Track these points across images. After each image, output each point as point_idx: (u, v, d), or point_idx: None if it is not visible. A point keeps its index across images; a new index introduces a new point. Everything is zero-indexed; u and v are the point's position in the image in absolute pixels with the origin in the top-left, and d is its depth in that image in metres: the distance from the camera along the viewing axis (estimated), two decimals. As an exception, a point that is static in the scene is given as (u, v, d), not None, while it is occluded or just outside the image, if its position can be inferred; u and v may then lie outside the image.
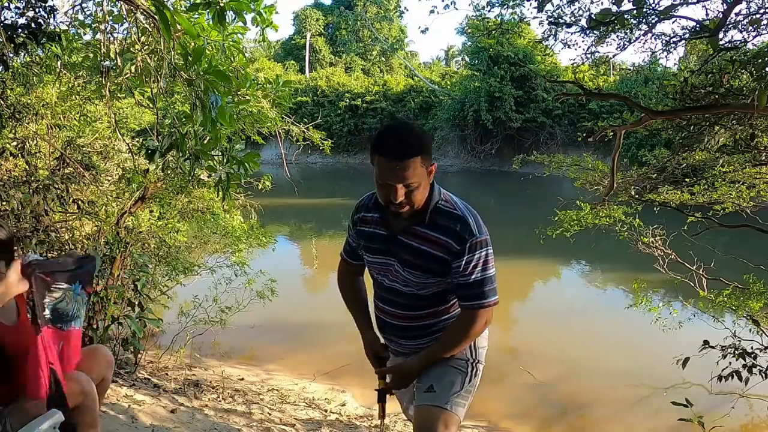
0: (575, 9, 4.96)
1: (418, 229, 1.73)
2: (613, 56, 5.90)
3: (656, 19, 4.26)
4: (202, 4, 2.24)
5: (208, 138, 2.46)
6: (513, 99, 25.66)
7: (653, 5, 4.17)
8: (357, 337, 2.05)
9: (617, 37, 4.87)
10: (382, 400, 1.97)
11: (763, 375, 3.93)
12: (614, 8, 3.11)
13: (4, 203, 3.53)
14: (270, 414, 4.12)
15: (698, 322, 6.24)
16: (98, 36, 2.82)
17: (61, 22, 3.03)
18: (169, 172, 3.95)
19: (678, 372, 4.06)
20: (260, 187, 5.23)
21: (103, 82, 2.82)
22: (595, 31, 4.70)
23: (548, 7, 4.72)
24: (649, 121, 4.24)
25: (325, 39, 40.34)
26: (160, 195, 4.85)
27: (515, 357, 6.16)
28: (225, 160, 2.48)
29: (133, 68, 2.53)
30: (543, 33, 5.74)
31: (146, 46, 2.54)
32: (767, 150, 4.83)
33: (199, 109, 2.20)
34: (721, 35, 3.77)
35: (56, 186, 3.92)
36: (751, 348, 4.11)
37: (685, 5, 4.06)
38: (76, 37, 3.27)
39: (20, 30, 2.75)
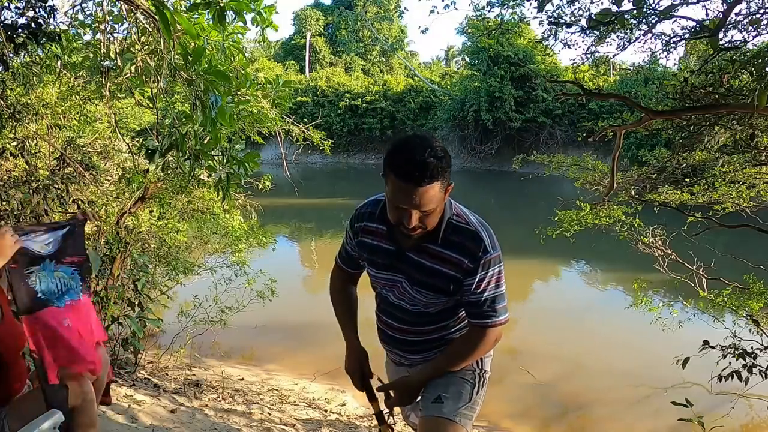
0: (575, 9, 4.96)
1: (430, 247, 1.62)
2: (613, 56, 5.90)
3: (656, 19, 4.26)
4: (202, 4, 2.24)
5: (208, 138, 2.46)
6: (513, 99, 25.66)
7: (653, 5, 4.17)
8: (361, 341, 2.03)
9: (617, 37, 4.87)
10: (382, 422, 1.87)
11: (763, 375, 3.93)
12: (614, 8, 3.11)
13: (4, 203, 3.53)
14: (270, 414, 4.12)
15: (698, 322, 6.24)
16: (98, 36, 2.82)
17: (61, 22, 3.03)
18: (169, 172, 3.95)
19: (678, 372, 4.06)
20: (260, 187, 5.23)
21: (103, 82, 2.82)
22: (595, 31, 4.70)
23: (548, 7, 4.72)
24: (649, 121, 4.23)
25: (325, 39, 40.34)
26: (160, 195, 4.85)
27: (515, 357, 6.16)
28: (225, 160, 2.48)
29: (133, 68, 2.53)
30: (543, 33, 5.75)
31: (146, 46, 2.54)
32: (767, 150, 4.83)
33: (199, 109, 2.20)
34: (721, 35, 3.77)
35: (56, 186, 3.92)
36: (751, 348, 4.11)
37: (685, 5, 4.06)
38: (76, 37, 3.27)
39: (20, 30, 2.75)
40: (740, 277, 4.94)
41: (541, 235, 6.25)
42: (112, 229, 4.32)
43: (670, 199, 5.38)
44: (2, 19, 2.80)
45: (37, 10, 2.79)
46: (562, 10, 4.99)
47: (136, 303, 3.90)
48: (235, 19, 2.39)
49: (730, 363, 4.04)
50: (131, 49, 2.58)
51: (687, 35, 4.76)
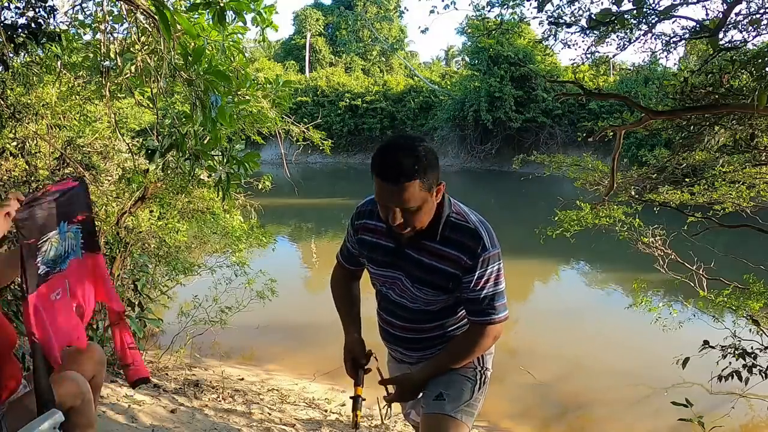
0: (575, 9, 4.97)
1: (428, 244, 1.64)
2: (613, 56, 5.90)
3: (656, 19, 4.26)
4: (202, 4, 2.24)
5: (208, 138, 2.46)
6: (513, 99, 25.67)
7: (653, 5, 4.17)
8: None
9: (617, 37, 4.87)
10: (356, 409, 1.82)
11: (763, 375, 3.93)
12: (614, 8, 3.12)
13: (4, 203, 3.52)
14: (270, 414, 4.12)
15: (698, 322, 6.24)
16: (98, 36, 2.82)
17: (61, 22, 3.03)
18: (169, 172, 3.95)
19: (678, 372, 4.06)
20: (260, 187, 5.23)
21: (103, 82, 2.82)
22: (595, 31, 4.70)
23: (548, 7, 4.72)
24: (649, 121, 4.23)
25: (325, 39, 40.34)
26: (160, 195, 4.85)
27: (515, 357, 6.16)
28: (225, 160, 2.48)
29: (133, 68, 2.53)
30: (543, 33, 5.75)
31: (146, 46, 2.54)
32: (767, 150, 4.83)
33: (199, 109, 2.20)
34: (721, 35, 3.78)
35: (56, 186, 3.91)
36: (751, 348, 4.11)
37: (685, 5, 4.07)
38: (76, 37, 3.27)
39: (20, 30, 2.75)
40: (740, 277, 4.94)
41: (541, 235, 6.25)
42: (112, 229, 4.32)
43: (670, 199, 5.38)
44: (2, 19, 2.80)
45: (37, 10, 2.79)
46: (562, 10, 5.00)
47: (136, 303, 3.90)
48: (235, 19, 2.39)
49: (730, 363, 4.04)
50: (131, 49, 2.58)
51: (687, 35, 4.76)
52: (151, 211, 5.02)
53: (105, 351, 2.36)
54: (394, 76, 34.88)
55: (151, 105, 2.85)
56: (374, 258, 1.77)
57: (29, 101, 4.18)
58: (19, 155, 4.12)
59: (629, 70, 19.91)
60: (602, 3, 4.86)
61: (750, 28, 4.14)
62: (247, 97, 3.10)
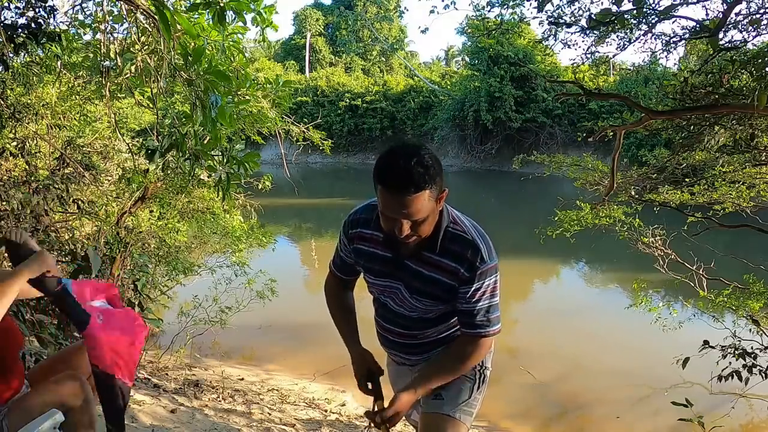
0: (575, 9, 4.96)
1: (428, 255, 1.60)
2: (613, 56, 5.90)
3: (656, 19, 4.26)
4: (202, 4, 2.24)
5: (208, 138, 2.46)
6: (513, 99, 25.66)
7: (653, 5, 4.17)
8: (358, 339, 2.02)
9: (617, 37, 4.87)
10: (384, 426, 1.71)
11: (763, 375, 3.93)
12: (614, 8, 3.12)
13: (4, 203, 3.53)
14: (270, 414, 4.12)
15: (698, 322, 6.24)
16: (98, 36, 2.82)
17: (61, 22, 3.03)
18: (169, 172, 3.96)
19: (678, 372, 4.06)
20: (260, 187, 5.24)
21: (103, 82, 2.82)
22: (595, 31, 4.70)
23: (548, 7, 4.72)
24: (649, 121, 4.24)
25: (325, 39, 40.34)
26: (160, 195, 4.85)
27: (515, 357, 6.17)
28: (225, 160, 2.48)
29: (133, 68, 2.53)
30: (543, 33, 5.75)
31: (146, 46, 2.54)
32: (767, 150, 4.83)
33: (199, 109, 2.20)
34: (721, 35, 3.78)
35: (56, 186, 3.92)
36: (751, 348, 4.11)
37: (685, 5, 4.07)
38: (76, 37, 3.28)
39: (20, 30, 2.75)
40: (740, 277, 4.94)
41: (541, 235, 6.25)
42: (112, 229, 4.32)
43: (670, 199, 5.38)
44: (2, 19, 2.81)
45: (37, 10, 2.80)
46: (562, 10, 4.99)
47: (136, 303, 3.89)
48: (235, 19, 2.39)
49: (730, 363, 4.04)
50: (131, 49, 2.58)
51: (687, 35, 4.76)
52: (151, 211, 5.03)
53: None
54: (394, 76, 34.88)
55: (151, 105, 2.85)
56: (372, 268, 1.72)
57: (29, 101, 4.19)
58: (19, 155, 4.12)
59: (629, 70, 19.91)
60: (602, 3, 4.86)
61: (750, 28, 4.14)
62: (247, 97, 3.10)
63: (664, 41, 4.89)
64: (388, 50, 39.52)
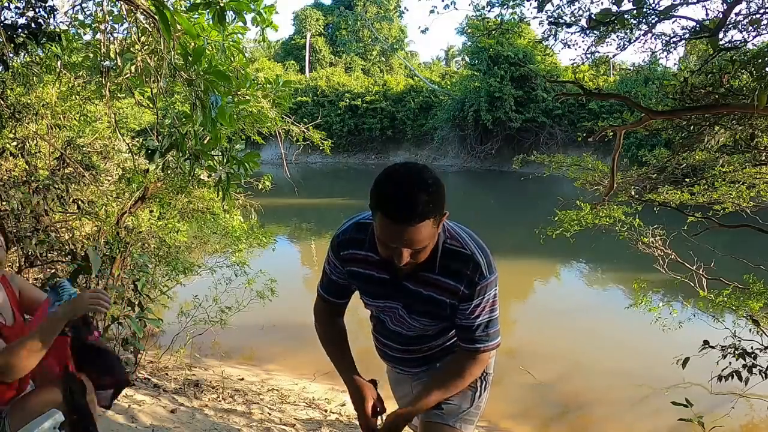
0: (575, 9, 4.96)
1: (426, 275, 1.53)
2: (613, 56, 5.90)
3: (656, 19, 4.26)
4: (202, 4, 2.24)
5: (208, 138, 2.46)
6: (513, 99, 25.67)
7: (653, 5, 4.17)
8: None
9: (617, 37, 4.87)
10: None
11: (763, 375, 3.93)
12: (614, 8, 3.12)
13: (4, 203, 3.53)
14: (270, 414, 4.12)
15: (698, 322, 6.24)
16: (98, 36, 2.82)
17: (61, 22, 3.03)
18: (169, 172, 3.95)
19: (678, 372, 4.06)
20: (260, 187, 5.24)
21: (103, 82, 2.82)
22: (595, 31, 4.70)
23: (548, 7, 4.72)
24: (649, 121, 4.23)
25: (325, 39, 40.34)
26: (160, 195, 4.85)
27: (515, 357, 6.16)
28: (225, 160, 2.48)
29: (133, 68, 2.53)
30: (543, 33, 5.75)
31: (146, 46, 2.54)
32: (767, 150, 4.83)
33: (199, 109, 2.20)
34: (721, 35, 3.77)
35: (56, 186, 3.92)
36: (751, 348, 4.11)
37: (685, 5, 4.07)
38: (76, 37, 3.28)
39: (20, 30, 2.75)
40: (740, 277, 4.94)
41: (541, 235, 6.25)
42: (112, 229, 4.32)
43: (670, 199, 5.38)
44: (2, 19, 2.80)
45: (37, 10, 2.79)
46: (562, 10, 4.99)
47: (136, 303, 3.89)
48: (235, 19, 2.39)
49: (730, 363, 4.04)
50: (131, 49, 2.58)
51: (687, 35, 4.76)
52: (151, 211, 5.03)
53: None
54: (394, 76, 34.88)
55: (151, 105, 2.85)
56: (369, 290, 1.66)
57: (29, 101, 4.18)
58: (19, 155, 4.12)
59: (629, 70, 19.92)
60: (602, 3, 4.86)
61: (750, 28, 4.14)
62: (247, 97, 3.10)
63: (664, 41, 4.90)
64: (388, 50, 39.52)
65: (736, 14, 4.15)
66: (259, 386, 5.02)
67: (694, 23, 4.26)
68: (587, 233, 6.08)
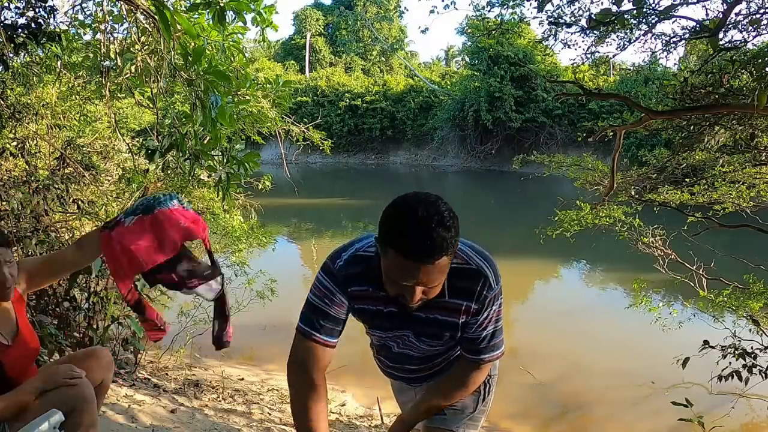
0: (575, 9, 4.97)
1: (437, 301, 1.44)
2: (613, 56, 5.91)
3: (656, 19, 4.26)
4: (202, 4, 2.24)
5: (208, 138, 2.47)
6: (513, 99, 25.68)
7: (653, 5, 4.17)
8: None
9: (617, 37, 4.87)
10: None
11: (763, 375, 3.93)
12: (614, 8, 3.12)
13: (4, 203, 3.53)
14: (270, 414, 4.12)
15: (698, 322, 6.24)
16: (98, 36, 2.82)
17: (61, 22, 3.03)
18: (169, 172, 3.95)
19: (678, 372, 4.06)
20: (260, 187, 5.24)
21: (103, 82, 2.82)
22: (595, 31, 4.70)
23: (548, 7, 4.72)
24: (649, 121, 4.24)
25: (325, 39, 40.34)
26: (160, 195, 4.84)
27: (515, 357, 6.16)
28: (225, 160, 2.49)
29: (133, 68, 2.53)
30: (543, 33, 5.76)
31: (146, 46, 2.54)
32: (767, 150, 4.83)
33: (199, 109, 2.20)
34: (721, 35, 3.78)
35: (56, 186, 3.92)
36: (751, 348, 4.11)
37: (685, 5, 4.07)
38: (76, 37, 3.28)
39: (20, 30, 2.75)
40: (740, 277, 4.94)
41: (541, 235, 6.24)
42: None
43: (670, 199, 5.38)
44: (2, 19, 2.80)
45: (37, 10, 2.80)
46: (562, 10, 5.00)
47: (136, 303, 3.89)
48: (235, 19, 2.39)
49: (730, 363, 4.04)
50: (131, 49, 2.58)
51: (687, 35, 4.76)
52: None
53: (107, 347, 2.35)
54: (394, 76, 34.89)
55: (151, 105, 2.85)
56: (377, 325, 1.58)
57: (29, 101, 4.19)
58: (19, 155, 4.12)
59: (629, 70, 19.93)
60: (602, 3, 4.87)
61: (750, 28, 4.14)
62: (247, 97, 3.10)
63: (664, 41, 4.90)
64: (388, 50, 39.52)
65: (736, 14, 4.15)
66: (259, 386, 5.02)
67: (694, 23, 4.26)
68: (587, 233, 6.08)
